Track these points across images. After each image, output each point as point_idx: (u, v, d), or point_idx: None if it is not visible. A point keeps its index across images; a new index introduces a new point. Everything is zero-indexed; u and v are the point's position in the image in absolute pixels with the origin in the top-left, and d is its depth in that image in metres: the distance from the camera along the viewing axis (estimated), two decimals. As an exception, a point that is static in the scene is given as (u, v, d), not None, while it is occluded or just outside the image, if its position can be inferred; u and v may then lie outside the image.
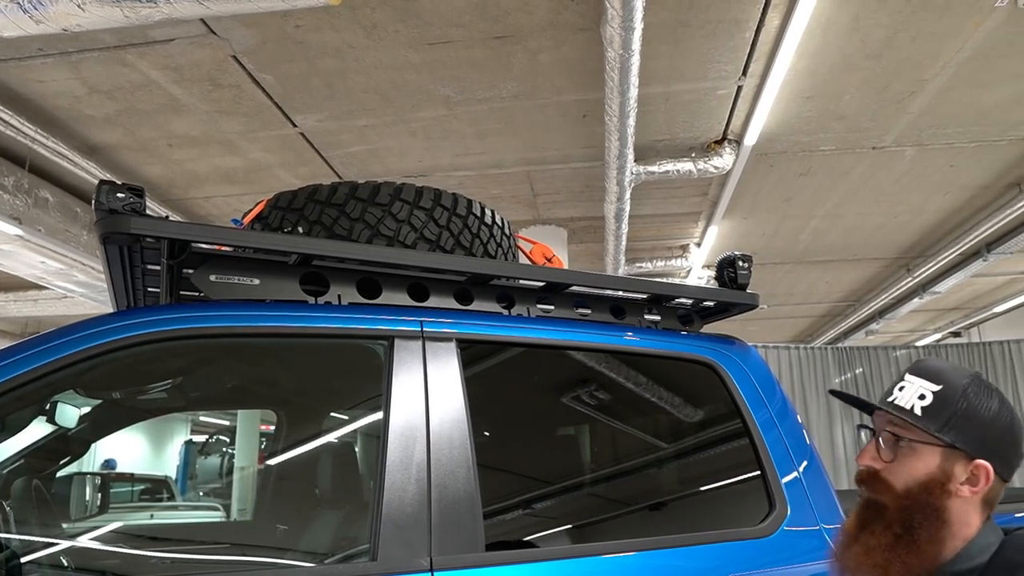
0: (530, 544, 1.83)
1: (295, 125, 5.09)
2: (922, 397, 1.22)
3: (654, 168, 5.25)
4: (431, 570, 1.51)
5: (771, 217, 6.97)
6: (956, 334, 12.42)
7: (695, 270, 7.74)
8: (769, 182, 6.13)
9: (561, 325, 2.06)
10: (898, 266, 8.75)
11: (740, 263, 2.38)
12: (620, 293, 2.26)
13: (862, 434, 1.33)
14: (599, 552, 1.73)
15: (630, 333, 2.14)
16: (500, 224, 2.50)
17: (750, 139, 5.09)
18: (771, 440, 2.11)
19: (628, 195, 5.38)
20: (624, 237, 6.21)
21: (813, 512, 2.08)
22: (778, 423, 2.17)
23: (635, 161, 5.13)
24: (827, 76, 4.56)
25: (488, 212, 2.47)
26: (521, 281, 2.15)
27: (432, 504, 1.59)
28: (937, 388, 1.22)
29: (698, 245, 7.31)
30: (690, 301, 2.35)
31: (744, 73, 4.48)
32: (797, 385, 6.79)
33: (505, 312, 2.06)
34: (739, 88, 4.65)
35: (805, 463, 2.17)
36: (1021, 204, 6.48)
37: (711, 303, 2.42)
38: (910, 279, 8.83)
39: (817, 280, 9.18)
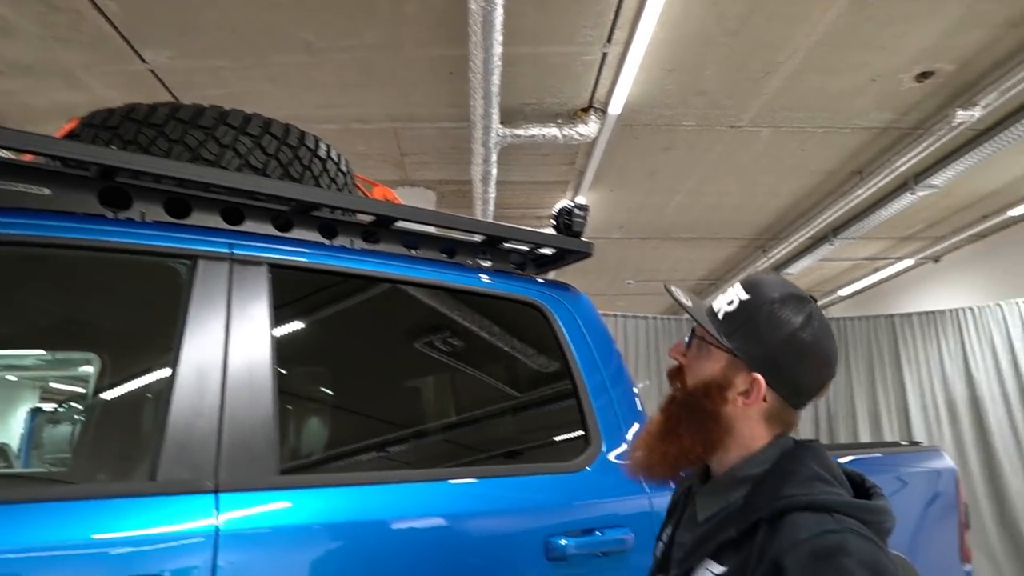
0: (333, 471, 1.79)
1: (144, 61, 4.77)
2: (731, 303, 1.23)
3: (520, 131, 5.26)
4: (216, 491, 1.45)
5: (637, 191, 7.15)
6: (807, 316, 13.23)
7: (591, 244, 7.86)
8: (634, 155, 6.28)
9: (384, 258, 2.01)
10: (755, 247, 9.20)
11: (577, 211, 2.41)
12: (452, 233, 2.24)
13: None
14: (403, 479, 1.72)
15: (457, 270, 2.12)
16: (336, 160, 2.43)
17: (615, 108, 5.18)
18: (591, 381, 2.15)
19: (494, 158, 5.38)
20: (492, 202, 6.21)
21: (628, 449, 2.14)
22: (601, 366, 2.22)
23: (501, 123, 5.13)
24: (687, 49, 4.69)
25: (323, 145, 2.38)
26: (345, 213, 2.09)
27: (223, 428, 1.52)
28: (746, 297, 1.22)
29: (567, 215, 7.41)
30: (523, 246, 2.35)
31: (609, 40, 4.54)
32: (652, 353, 7.04)
33: (327, 243, 2.00)
34: (604, 55, 4.71)
35: (625, 403, 2.23)
36: (862, 191, 6.92)
37: (548, 251, 2.44)
38: (766, 260, 9.30)
39: (682, 257, 9.53)
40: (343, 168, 2.46)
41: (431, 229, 2.20)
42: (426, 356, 2.12)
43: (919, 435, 7.10)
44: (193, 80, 5.03)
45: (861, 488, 1.20)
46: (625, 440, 2.14)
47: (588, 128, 5.32)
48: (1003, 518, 6.70)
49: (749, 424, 1.21)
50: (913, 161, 6.23)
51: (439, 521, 1.68)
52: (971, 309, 7.33)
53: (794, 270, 9.53)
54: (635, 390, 2.33)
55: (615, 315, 7.10)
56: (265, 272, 1.76)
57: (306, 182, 2.26)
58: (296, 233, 1.95)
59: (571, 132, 5.30)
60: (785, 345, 1.18)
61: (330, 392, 1.98)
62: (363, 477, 1.72)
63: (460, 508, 1.72)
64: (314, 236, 1.99)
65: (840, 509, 1.07)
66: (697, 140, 6.04)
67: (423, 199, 6.86)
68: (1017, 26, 4.59)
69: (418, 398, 2.12)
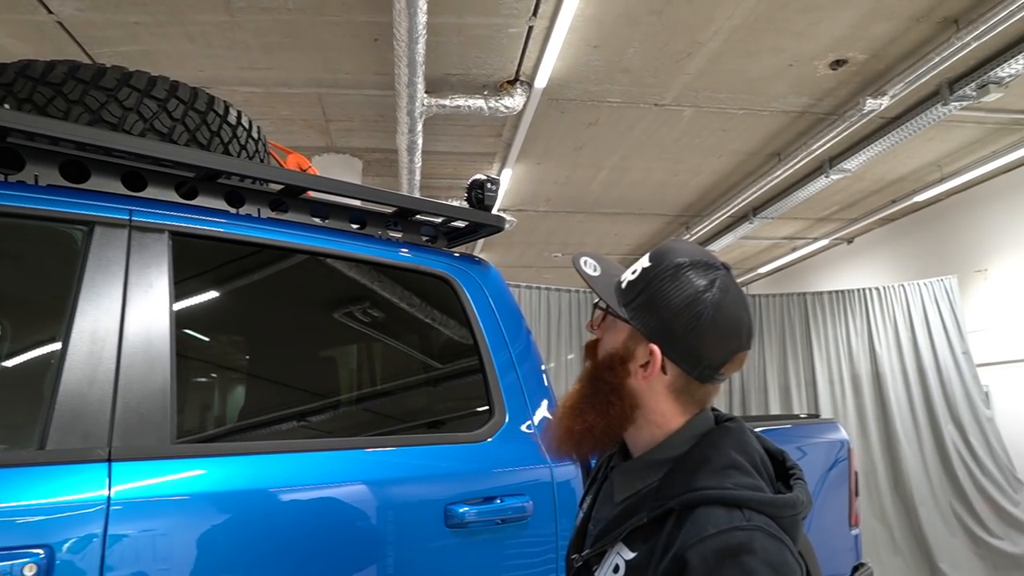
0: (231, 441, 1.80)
1: (50, 11, 4.55)
2: (634, 272, 1.19)
3: (446, 102, 5.24)
4: (109, 460, 1.45)
5: (563, 165, 7.21)
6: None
7: (503, 217, 7.88)
8: (560, 129, 6.33)
9: (292, 228, 2.01)
10: (679, 223, 9.40)
11: (488, 185, 2.43)
12: (363, 204, 2.25)
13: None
14: (302, 449, 1.74)
15: (365, 242, 2.13)
16: (247, 127, 2.39)
17: (540, 82, 5.21)
18: (497, 353, 2.20)
19: (420, 127, 5.35)
20: (418, 172, 6.18)
21: (532, 422, 2.20)
22: (508, 339, 2.26)
23: (427, 93, 5.10)
24: (612, 26, 4.74)
25: (233, 112, 2.34)
26: (256, 182, 2.08)
27: (118, 397, 1.51)
28: (648, 265, 1.17)
29: (494, 187, 7.43)
30: (435, 218, 2.37)
31: (535, 13, 4.55)
32: (574, 327, 7.15)
33: (233, 211, 1.98)
34: (530, 29, 4.72)
35: (530, 375, 2.29)
36: (780, 173, 7.15)
37: (460, 224, 2.46)
38: (688, 236, 9.52)
39: (607, 232, 9.67)
40: (255, 135, 2.42)
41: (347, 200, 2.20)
42: (332, 327, 2.13)
43: (825, 408, 7.44)
44: (107, 35, 4.83)
45: (782, 468, 1.17)
46: (529, 412, 2.20)
47: (514, 101, 5.33)
48: (897, 486, 7.12)
49: (656, 399, 1.16)
50: (828, 145, 6.47)
51: (337, 490, 1.71)
52: (877, 289, 7.68)
53: (716, 247, 9.80)
54: (543, 365, 2.39)
55: (539, 287, 7.18)
56: (166, 240, 1.74)
57: (215, 149, 2.22)
58: (201, 201, 1.93)
59: (497, 104, 5.31)
60: (681, 313, 1.11)
61: (232, 362, 1.98)
62: (262, 446, 1.73)
63: (359, 476, 1.75)
64: (220, 204, 1.97)
65: (751, 505, 1.03)
66: (622, 117, 6.12)
67: (348, 167, 6.78)
68: (921, 21, 4.79)
69: (323, 369, 2.13)
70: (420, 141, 5.61)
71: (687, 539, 1.01)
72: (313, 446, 1.82)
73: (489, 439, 2.07)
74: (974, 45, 4.75)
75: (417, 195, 6.69)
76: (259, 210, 2.03)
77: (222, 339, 1.98)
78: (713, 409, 1.23)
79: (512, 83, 5.35)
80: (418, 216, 2.35)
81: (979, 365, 7.60)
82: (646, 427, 1.18)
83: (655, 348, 1.12)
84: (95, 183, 1.78)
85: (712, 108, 6.05)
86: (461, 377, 2.23)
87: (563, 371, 7.14)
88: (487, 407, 2.13)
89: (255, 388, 2.01)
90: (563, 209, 8.58)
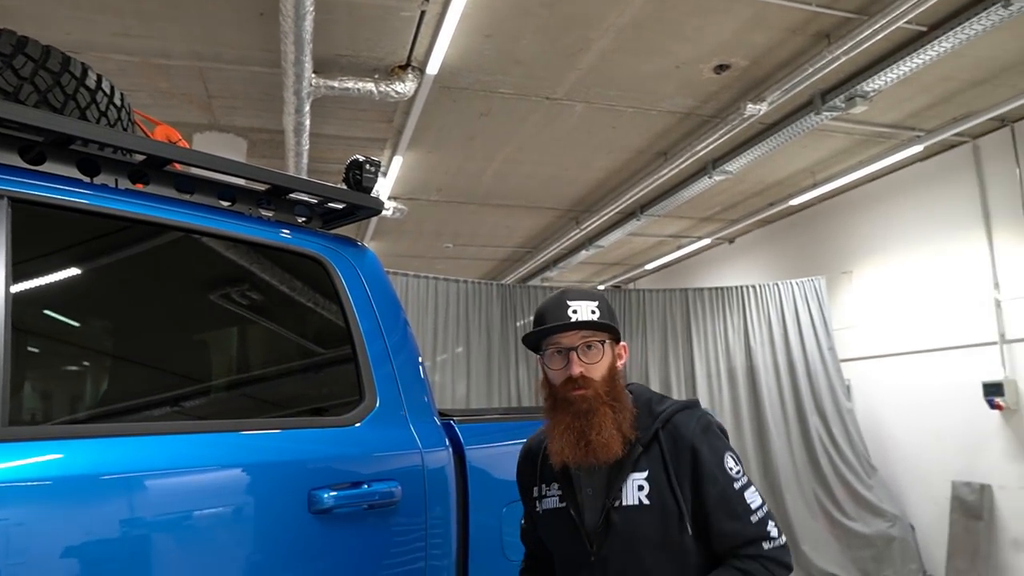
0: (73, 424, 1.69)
1: None
2: (594, 312, 1.72)
3: (334, 83, 5.11)
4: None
5: (455, 154, 7.18)
6: (617, 287, 13.96)
7: (381, 200, 7.76)
8: (452, 118, 6.29)
9: (153, 201, 1.90)
10: (569, 218, 9.54)
11: (367, 166, 2.38)
12: (234, 180, 2.15)
13: (555, 354, 1.73)
14: (154, 432, 1.65)
15: (233, 219, 2.04)
16: (109, 92, 2.25)
17: (432, 69, 5.15)
18: (369, 336, 2.16)
19: (307, 108, 5.19)
20: (305, 155, 6.00)
21: (403, 408, 2.17)
22: (380, 322, 2.23)
23: (315, 73, 4.96)
24: (505, 16, 4.74)
25: (93, 75, 2.20)
26: (117, 152, 1.96)
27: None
28: (599, 303, 1.75)
29: (384, 175, 7.31)
30: (310, 198, 2.31)
31: (427, -2, 4.50)
32: (463, 318, 7.14)
33: (87, 180, 1.86)
34: (423, 13, 4.66)
35: (405, 363, 2.26)
36: (667, 172, 7.36)
37: (337, 205, 2.40)
38: (578, 231, 9.69)
39: (498, 224, 9.70)
40: (117, 102, 2.28)
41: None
42: (193, 306, 2.04)
43: (703, 400, 7.74)
44: (-41, -10, 4.44)
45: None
46: (402, 398, 2.17)
47: (405, 86, 5.26)
48: (767, 472, 7.51)
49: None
50: (711, 147, 6.71)
51: (190, 475, 1.63)
52: (753, 287, 8.06)
53: (605, 243, 10.00)
54: (419, 355, 2.36)
55: (430, 277, 7.13)
56: (5, 206, 1.62)
57: (70, 113, 2.08)
58: (49, 167, 1.80)
59: (387, 89, 5.22)
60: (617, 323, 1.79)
61: (77, 340, 1.85)
62: (109, 430, 1.63)
63: (214, 461, 1.68)
64: (71, 172, 1.84)
65: (692, 406, 1.76)
66: (514, 108, 6.15)
67: (232, 147, 6.51)
68: (797, 33, 5.04)
69: (182, 350, 2.03)
70: (308, 123, 5.46)
71: (685, 433, 1.68)
72: (166, 429, 1.73)
73: (358, 424, 2.03)
74: (843, 59, 5.03)
75: (305, 178, 6.50)
76: (116, 181, 1.92)
77: (70, 316, 1.85)
78: None
79: (404, 68, 5.27)
80: (293, 195, 2.29)
81: (843, 360, 8.10)
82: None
83: (625, 343, 1.81)
84: (-76, 144, 1.63)
85: (602, 105, 6.16)
86: (331, 360, 2.18)
87: (453, 363, 7.12)
88: (357, 391, 2.09)
89: (103, 370, 1.89)
90: (455, 199, 8.55)
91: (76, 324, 1.84)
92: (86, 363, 1.84)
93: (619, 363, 1.76)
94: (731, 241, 10.81)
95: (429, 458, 2.14)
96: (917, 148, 6.99)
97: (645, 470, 1.66)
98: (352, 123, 6.39)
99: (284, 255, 2.13)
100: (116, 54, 5.11)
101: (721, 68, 5.57)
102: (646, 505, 1.64)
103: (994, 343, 6.75)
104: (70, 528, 1.46)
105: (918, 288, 7.59)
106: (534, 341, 1.77)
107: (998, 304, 6.75)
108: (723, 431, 1.76)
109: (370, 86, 5.19)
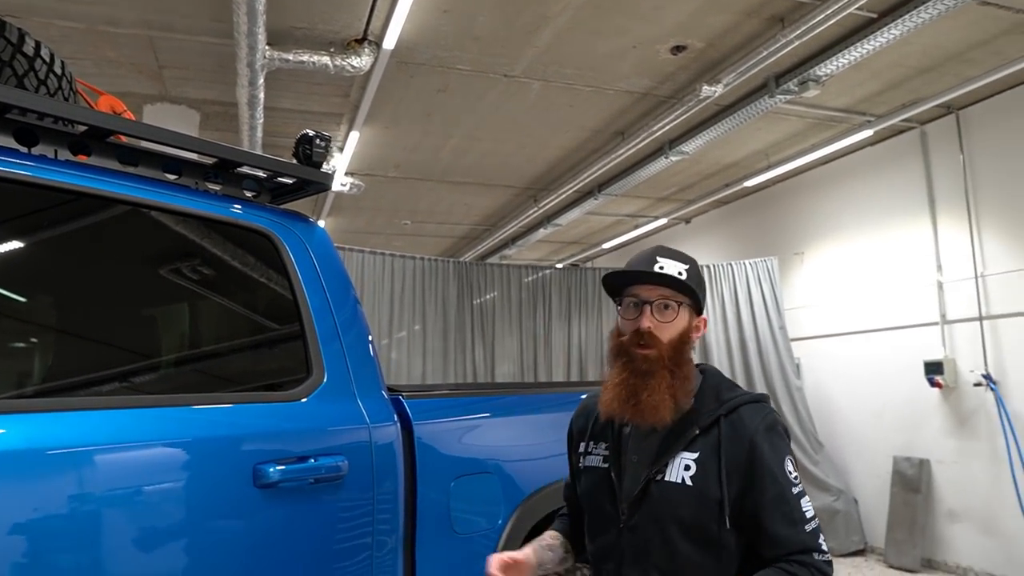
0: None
1: None
2: (681, 273, 1.68)
3: (289, 56, 5.03)
4: None
5: (413, 131, 7.13)
6: (575, 265, 14.05)
7: (338, 175, 7.69)
8: (410, 93, 6.24)
9: (94, 173, 1.87)
10: (527, 196, 9.55)
11: (317, 141, 2.37)
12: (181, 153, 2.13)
13: (631, 305, 1.70)
14: (95, 407, 1.64)
15: (179, 192, 2.02)
16: (48, 60, 2.20)
17: (389, 43, 5.10)
18: (318, 311, 2.16)
19: (261, 81, 5.11)
20: (260, 128, 5.91)
21: (351, 383, 2.19)
22: (330, 297, 2.23)
23: (269, 45, 4.88)
24: (463, -8, 4.71)
25: (31, 41, 2.15)
26: (55, 121, 1.92)
27: None
28: (688, 266, 1.71)
29: (340, 150, 7.24)
30: (259, 172, 2.29)
31: (384, -29, 4.44)
32: (419, 295, 7.14)
33: (24, 151, 1.82)
34: (379, -13, 4.61)
35: (354, 338, 2.27)
36: (624, 151, 7.40)
37: (287, 180, 2.39)
38: (537, 209, 9.71)
39: (457, 201, 9.68)
40: (57, 70, 2.24)
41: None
42: (137, 280, 2.02)
43: (656, 377, 7.85)
44: None
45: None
46: (350, 373, 2.18)
47: (361, 61, 5.20)
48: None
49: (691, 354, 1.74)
50: (668, 127, 6.75)
51: (132, 450, 1.63)
52: (708, 266, 8.17)
53: (563, 221, 10.04)
54: (369, 333, 2.37)
55: (386, 254, 7.10)
56: (-65, 177, 1.58)
57: (6, 81, 2.04)
58: (-16, 137, 1.76)
59: (343, 63, 5.16)
60: (704, 291, 1.77)
61: (18, 315, 1.83)
62: (46, 404, 1.62)
63: (156, 436, 1.68)
64: (8, 142, 1.80)
65: (762, 399, 1.71)
66: (472, 85, 6.12)
67: (184, 119, 6.38)
68: (752, 16, 5.09)
69: (128, 324, 2.01)
70: (262, 96, 5.37)
71: (749, 427, 1.62)
72: (109, 404, 1.72)
73: (304, 399, 2.04)
74: (797, 43, 5.10)
75: (259, 153, 6.41)
76: (56, 151, 1.89)
77: (10, 291, 1.83)
78: None
79: (360, 42, 5.21)
80: (241, 169, 2.27)
81: (793, 339, 8.29)
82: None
83: (705, 318, 1.78)
84: None
85: (560, 83, 6.16)
86: (279, 336, 2.18)
87: (410, 341, 7.13)
88: (305, 367, 2.09)
89: (47, 346, 1.87)
90: (413, 176, 8.50)
91: (17, 299, 1.82)
92: (29, 339, 1.81)
93: (694, 335, 1.71)
94: (687, 221, 10.94)
95: (377, 433, 2.16)
96: (867, 133, 7.14)
97: (697, 451, 1.62)
98: (308, 97, 6.30)
99: (232, 229, 2.11)
100: (59, 20, 4.96)
101: (678, 49, 5.61)
102: (688, 486, 1.59)
103: (935, 323, 6.97)
104: (11, 503, 1.45)
105: (866, 269, 7.79)
106: (615, 286, 1.74)
107: (940, 286, 6.96)
108: (787, 432, 1.70)
109: (325, 60, 5.12)
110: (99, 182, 1.84)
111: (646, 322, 1.65)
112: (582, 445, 1.85)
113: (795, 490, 1.60)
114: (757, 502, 1.57)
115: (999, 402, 6.36)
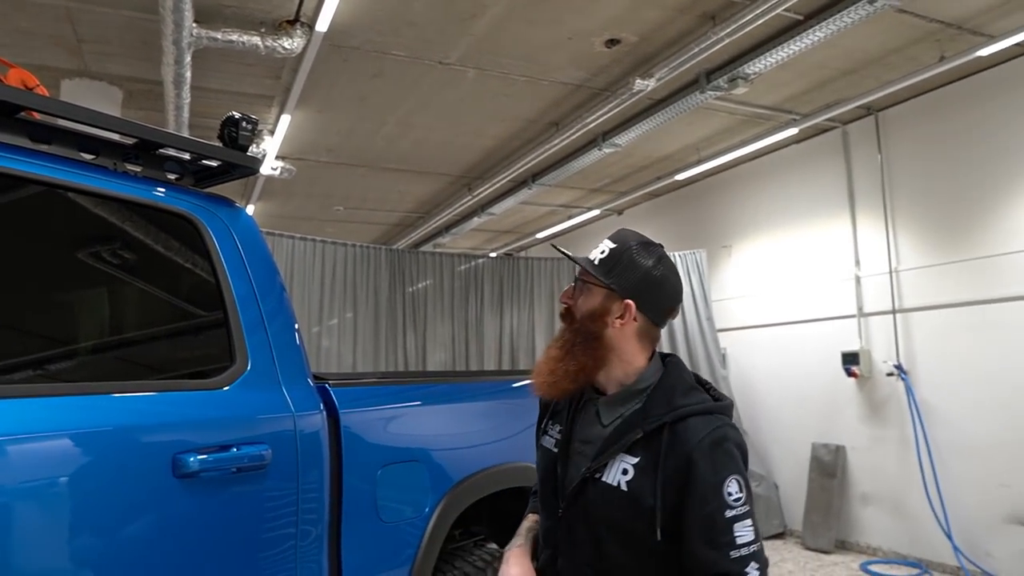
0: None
1: None
2: (603, 252, 1.67)
3: (217, 35, 4.89)
4: None
5: (346, 115, 7.03)
6: (508, 255, 14.10)
7: (268, 159, 7.52)
8: (343, 78, 6.15)
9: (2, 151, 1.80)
10: (462, 184, 9.53)
11: (244, 123, 2.32)
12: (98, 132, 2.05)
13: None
14: (9, 395, 1.58)
15: (96, 173, 1.95)
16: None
17: (321, 25, 5.00)
18: (241, 298, 2.12)
19: (188, 60, 4.95)
20: (186, 108, 5.73)
21: (275, 371, 2.15)
22: (254, 284, 2.19)
23: (196, 22, 4.73)
24: (398, -23, 4.66)
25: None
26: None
27: None
28: (613, 246, 1.67)
29: (271, 133, 7.08)
30: (182, 154, 2.23)
31: (316, -47, 4.36)
32: (351, 283, 7.07)
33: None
34: (312, -33, 4.52)
35: (280, 326, 2.24)
36: (558, 142, 7.45)
37: (211, 163, 2.33)
38: (471, 198, 9.69)
39: (390, 188, 9.58)
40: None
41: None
42: (54, 265, 1.94)
43: (586, 367, 7.96)
44: None
45: (704, 386, 1.69)
46: (275, 361, 2.15)
47: (293, 42, 5.09)
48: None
49: (627, 342, 1.65)
50: (601, 120, 6.83)
51: (45, 440, 1.58)
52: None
53: (497, 210, 10.05)
54: (295, 322, 2.34)
55: (317, 240, 7.00)
56: None
57: (-92, 52, 1.92)
58: None
59: (274, 44, 5.04)
60: (647, 276, 1.64)
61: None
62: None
63: (69, 425, 1.63)
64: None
65: (718, 411, 1.59)
66: (406, 71, 6.07)
67: (105, 96, 6.13)
68: (684, 12, 5.18)
69: (44, 311, 1.93)
70: (189, 75, 5.20)
71: (690, 442, 1.52)
72: (22, 392, 1.66)
73: (227, 387, 2.00)
74: (727, 41, 5.22)
75: (186, 133, 6.22)
76: (-41, 128, 1.80)
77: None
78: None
79: (292, 23, 5.10)
80: (163, 151, 2.20)
81: (720, 330, 8.51)
82: (619, 365, 1.66)
83: (630, 303, 1.62)
84: None
85: (495, 72, 6.16)
86: (201, 323, 2.13)
87: (341, 328, 7.05)
88: (228, 354, 2.05)
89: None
90: (346, 161, 8.37)
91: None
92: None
93: (613, 318, 1.61)
94: (620, 212, 11.08)
95: (302, 421, 2.14)
96: (793, 131, 7.36)
97: (638, 457, 1.56)
98: (238, 78, 6.14)
99: (153, 213, 2.05)
100: (-29, -12, 4.72)
101: (612, 42, 5.67)
102: (623, 491, 1.55)
103: (853, 316, 7.25)
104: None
105: (789, 263, 8.05)
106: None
107: (858, 280, 7.24)
108: (741, 448, 1.57)
109: (256, 40, 5.00)
110: (7, 160, 1.76)
111: (564, 297, 1.71)
112: (544, 423, 1.85)
113: (730, 513, 1.48)
114: (686, 520, 1.50)
115: (908, 391, 6.68)
